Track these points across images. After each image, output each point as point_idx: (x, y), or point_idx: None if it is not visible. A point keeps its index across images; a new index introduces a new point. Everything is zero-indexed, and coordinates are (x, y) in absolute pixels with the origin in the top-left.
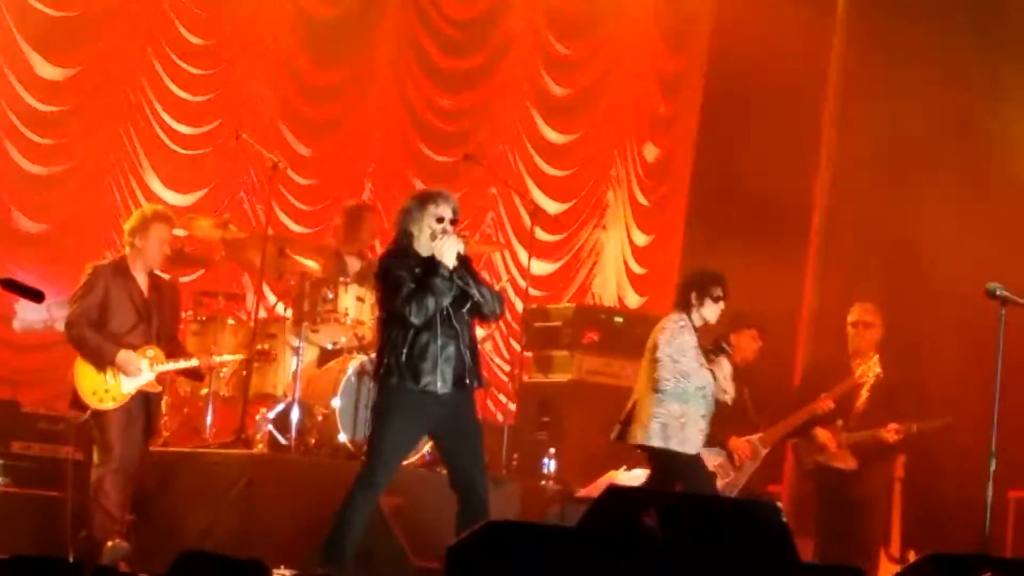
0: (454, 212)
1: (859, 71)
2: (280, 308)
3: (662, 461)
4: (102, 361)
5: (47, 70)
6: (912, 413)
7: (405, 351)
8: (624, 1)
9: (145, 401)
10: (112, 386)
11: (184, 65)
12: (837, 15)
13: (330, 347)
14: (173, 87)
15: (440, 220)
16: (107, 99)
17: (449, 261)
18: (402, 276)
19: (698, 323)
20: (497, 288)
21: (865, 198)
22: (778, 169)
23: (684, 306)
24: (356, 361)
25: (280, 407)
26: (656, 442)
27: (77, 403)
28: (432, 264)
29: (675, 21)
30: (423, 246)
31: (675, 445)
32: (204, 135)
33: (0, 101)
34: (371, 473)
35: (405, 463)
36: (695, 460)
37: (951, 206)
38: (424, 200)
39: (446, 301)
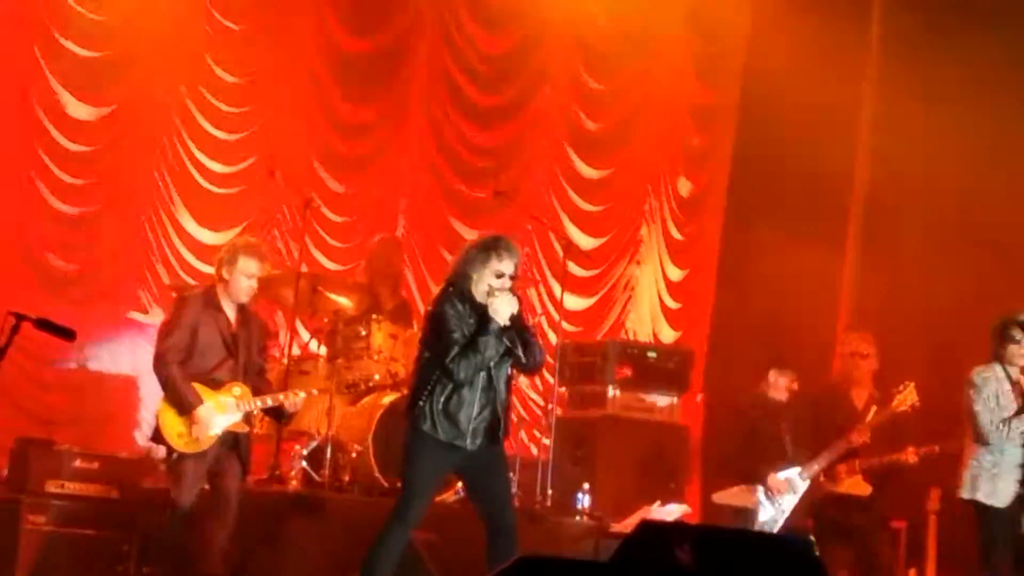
0: (516, 268)
1: (893, 103)
2: (314, 345)
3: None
4: (182, 409)
5: (79, 110)
6: (919, 437)
7: (442, 400)
8: (656, 35)
9: (234, 442)
10: (197, 428)
11: (217, 103)
12: (871, 46)
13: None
14: (206, 125)
15: (500, 276)
16: (139, 138)
17: (502, 320)
18: (454, 330)
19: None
20: (532, 321)
21: (897, 232)
22: (812, 203)
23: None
24: (389, 398)
25: (314, 444)
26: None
27: (164, 444)
28: (485, 320)
29: (708, 54)
30: (478, 293)
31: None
32: (237, 173)
33: (32, 141)
34: (405, 506)
35: (438, 499)
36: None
37: (986, 246)
38: (489, 249)
39: (492, 361)
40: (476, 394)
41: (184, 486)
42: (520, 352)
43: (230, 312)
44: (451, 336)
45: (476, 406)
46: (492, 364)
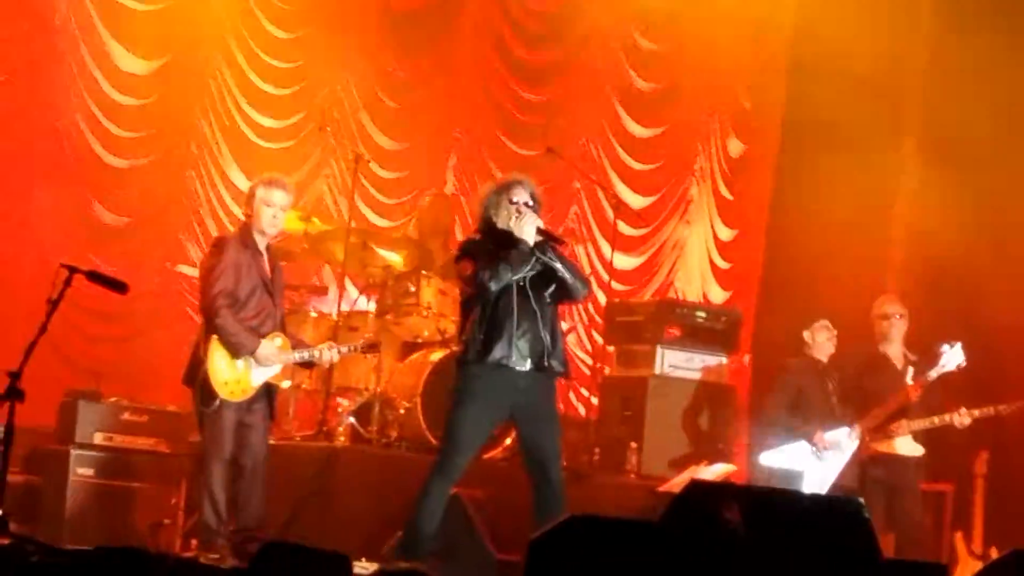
0: (532, 196)
1: (945, 59)
2: (363, 301)
3: None
4: (241, 351)
5: (130, 63)
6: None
7: (481, 326)
8: None
9: (267, 392)
10: (243, 376)
11: (267, 58)
12: (922, 9)
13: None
14: (256, 80)
15: (515, 204)
16: (189, 92)
17: (528, 237)
18: (480, 251)
19: None
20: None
21: (947, 191)
22: (861, 163)
23: None
24: (438, 355)
25: (362, 400)
26: None
27: (206, 392)
28: (512, 240)
29: (758, 14)
30: (504, 226)
31: None
32: (286, 128)
33: (83, 94)
34: (447, 459)
35: (486, 456)
36: None
37: None
38: (501, 188)
39: (524, 270)
40: (513, 312)
41: (225, 433)
42: (557, 264)
43: (264, 255)
44: (477, 254)
45: (515, 321)
46: (529, 288)
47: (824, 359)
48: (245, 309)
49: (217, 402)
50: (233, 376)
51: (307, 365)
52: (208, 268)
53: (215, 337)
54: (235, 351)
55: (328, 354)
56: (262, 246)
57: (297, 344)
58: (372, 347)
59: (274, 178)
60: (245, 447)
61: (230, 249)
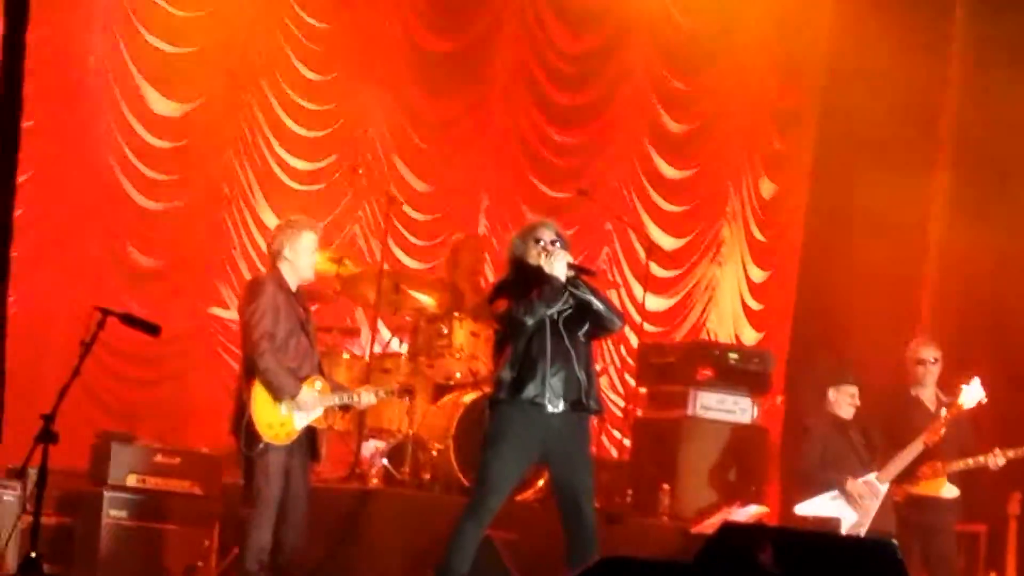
0: (557, 235)
1: (975, 106)
2: (395, 343)
3: None
4: (283, 395)
5: (163, 105)
6: (996, 438)
7: (515, 365)
8: (738, 36)
9: (308, 434)
10: (287, 419)
11: (299, 100)
12: (952, 49)
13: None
14: (288, 122)
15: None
16: (222, 134)
17: (560, 273)
18: (513, 289)
19: None
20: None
21: (979, 234)
22: (893, 206)
23: None
24: (470, 396)
25: (395, 442)
26: None
27: (250, 435)
28: (544, 277)
29: (789, 55)
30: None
31: None
32: (319, 170)
33: (116, 136)
34: (479, 501)
35: (519, 498)
36: None
37: None
38: (526, 232)
39: (558, 305)
40: (547, 352)
41: (272, 478)
42: (590, 297)
43: (296, 297)
44: (511, 292)
45: (548, 360)
46: (563, 327)
47: (847, 416)
48: (285, 351)
49: (262, 445)
50: (277, 419)
51: (345, 408)
52: (249, 311)
53: (257, 380)
54: (277, 394)
55: (367, 397)
56: (294, 287)
57: (335, 387)
58: (408, 391)
59: (312, 221)
60: (287, 490)
61: (268, 291)
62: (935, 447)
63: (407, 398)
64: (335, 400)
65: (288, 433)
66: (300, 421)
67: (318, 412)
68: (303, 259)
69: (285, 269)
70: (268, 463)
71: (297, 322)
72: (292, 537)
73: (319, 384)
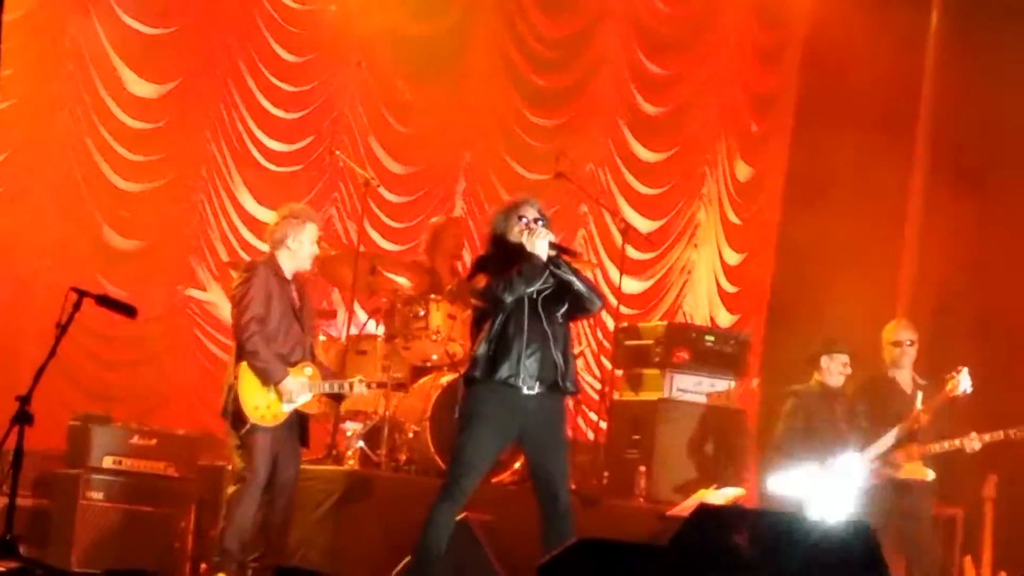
0: (540, 213)
1: (953, 86)
2: (371, 325)
3: None
4: (269, 379)
5: (140, 87)
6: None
7: (490, 343)
8: (715, 20)
9: (299, 420)
10: (273, 403)
11: (277, 82)
12: (930, 30)
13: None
14: (266, 104)
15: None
16: (199, 116)
17: (541, 252)
18: (493, 265)
19: None
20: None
21: (957, 217)
22: (870, 190)
23: None
24: (447, 379)
25: (371, 424)
26: None
27: (237, 416)
28: (524, 255)
29: (767, 39)
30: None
31: None
32: (296, 152)
33: (93, 118)
34: (454, 482)
35: (495, 480)
36: None
37: None
38: (509, 208)
39: (538, 284)
40: (523, 332)
41: (258, 459)
42: (571, 277)
43: (292, 284)
44: (489, 268)
45: (524, 341)
46: (541, 308)
47: (837, 384)
48: (275, 337)
49: (248, 426)
50: (264, 401)
51: (336, 397)
52: (240, 295)
53: (245, 363)
54: (264, 378)
55: (358, 387)
56: (289, 275)
57: (327, 375)
58: (402, 386)
59: (309, 212)
60: (276, 474)
61: (260, 276)
62: (914, 431)
63: (402, 392)
64: (324, 388)
65: (275, 415)
66: (287, 405)
67: (306, 398)
68: (304, 249)
69: (283, 256)
70: (255, 444)
71: (290, 308)
72: (278, 520)
73: (309, 370)
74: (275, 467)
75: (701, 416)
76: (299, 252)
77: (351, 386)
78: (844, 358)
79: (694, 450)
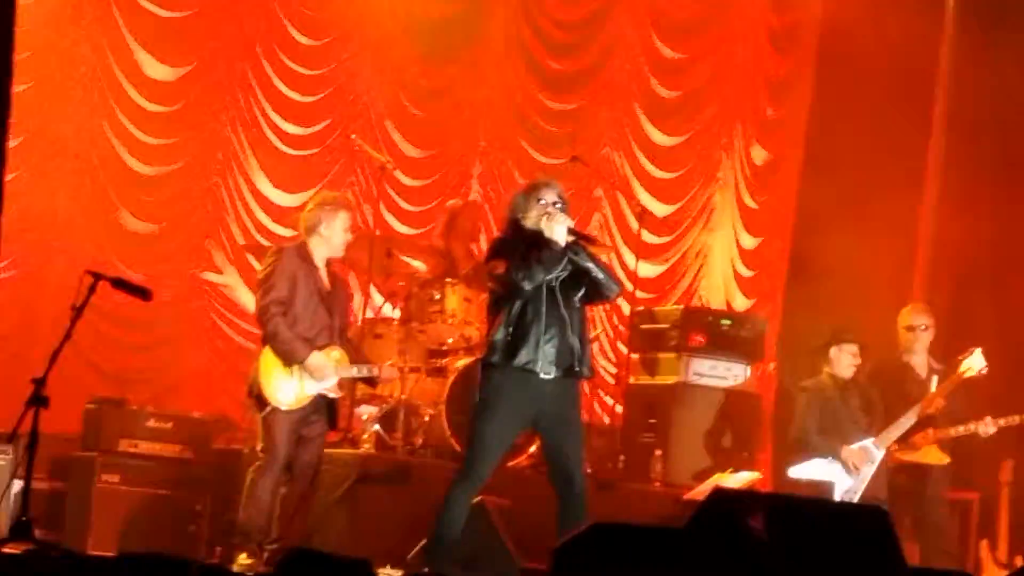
0: (559, 197)
1: (970, 68)
2: (387, 308)
3: None
4: (291, 359)
5: (156, 70)
6: (993, 407)
7: (508, 329)
8: (731, 3)
9: (326, 404)
10: (297, 386)
11: (293, 65)
12: (946, 13)
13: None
14: (282, 87)
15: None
16: (216, 99)
17: (560, 237)
18: (511, 250)
19: None
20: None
21: (975, 200)
22: (886, 174)
23: None
24: (463, 362)
25: (387, 407)
26: None
27: (259, 397)
28: (542, 240)
29: (783, 22)
30: (534, 227)
31: None
32: (313, 135)
33: (109, 101)
34: (470, 466)
35: (511, 464)
36: None
37: None
38: (528, 190)
39: (556, 271)
40: (542, 317)
41: (278, 440)
42: (590, 264)
43: (323, 270)
44: (508, 253)
45: (542, 326)
46: (559, 292)
47: (847, 375)
48: (300, 320)
49: (269, 407)
50: (287, 383)
51: (368, 382)
52: (263, 278)
53: (268, 345)
54: (286, 359)
55: (388, 371)
56: (321, 262)
57: (358, 360)
58: (440, 371)
59: (344, 200)
60: (298, 457)
61: (285, 259)
62: (931, 415)
63: (433, 378)
64: (353, 371)
65: (299, 398)
66: (311, 387)
67: (332, 381)
68: (337, 237)
69: (315, 243)
70: (276, 425)
71: (316, 293)
72: (297, 502)
73: (336, 354)
74: (299, 451)
75: (717, 400)
76: (332, 239)
77: (381, 370)
78: (853, 348)
79: (710, 434)
